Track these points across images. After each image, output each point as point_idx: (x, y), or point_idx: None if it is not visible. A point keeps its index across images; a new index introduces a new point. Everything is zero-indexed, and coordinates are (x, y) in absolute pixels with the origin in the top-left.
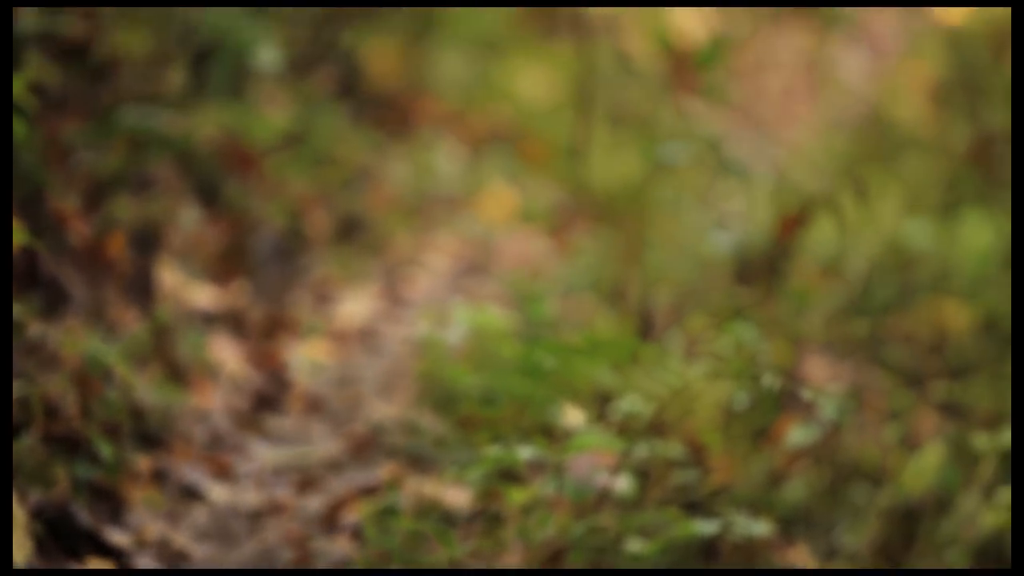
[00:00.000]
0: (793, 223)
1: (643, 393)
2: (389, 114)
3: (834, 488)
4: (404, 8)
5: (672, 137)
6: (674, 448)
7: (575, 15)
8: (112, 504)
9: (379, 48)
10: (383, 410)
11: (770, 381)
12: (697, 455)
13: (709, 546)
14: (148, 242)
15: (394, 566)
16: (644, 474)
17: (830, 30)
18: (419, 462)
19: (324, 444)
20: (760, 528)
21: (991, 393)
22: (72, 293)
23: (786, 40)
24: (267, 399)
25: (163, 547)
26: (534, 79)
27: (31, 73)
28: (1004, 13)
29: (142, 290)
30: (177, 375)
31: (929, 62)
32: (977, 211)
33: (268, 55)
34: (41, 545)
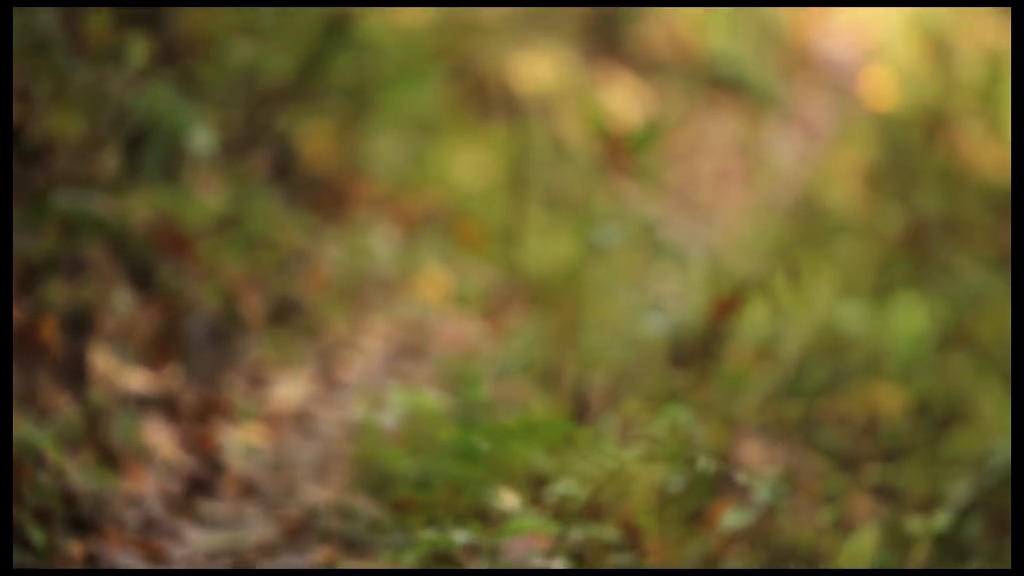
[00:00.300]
0: (727, 306)
1: (578, 476)
2: (324, 197)
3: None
4: (338, 91)
5: (606, 220)
6: (609, 531)
7: (509, 98)
8: None
9: (313, 131)
10: (318, 494)
11: (705, 464)
12: (632, 538)
13: None
14: (81, 326)
15: None
16: (579, 557)
17: (763, 114)
18: (354, 546)
19: (258, 528)
20: None
21: (924, 476)
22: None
23: (719, 123)
24: (201, 483)
25: None
26: (469, 161)
27: None
28: (935, 98)
29: (75, 374)
30: (110, 459)
31: (861, 147)
32: (910, 295)
33: (202, 138)
34: None
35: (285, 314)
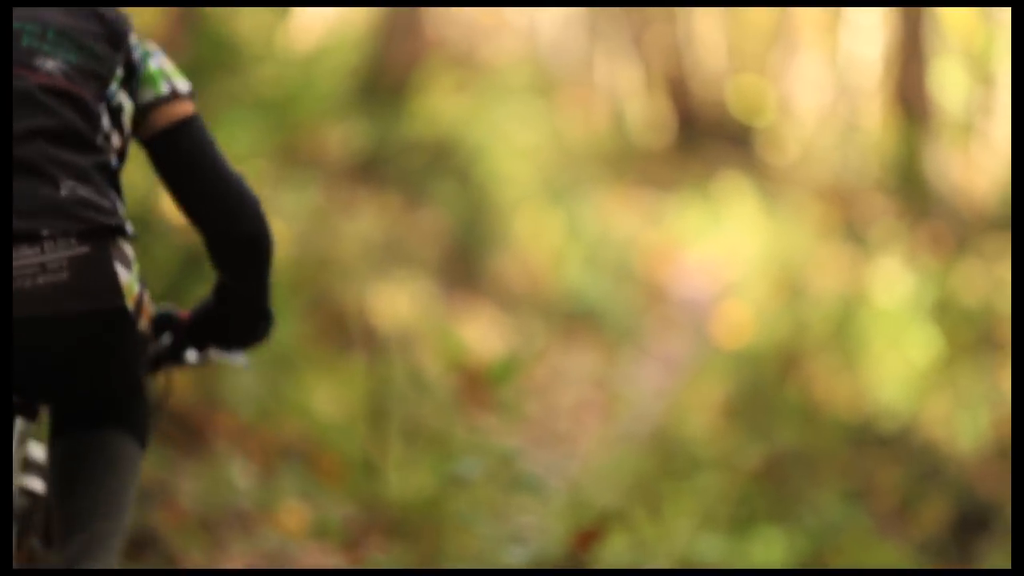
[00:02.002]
0: (588, 537)
1: None
2: (181, 429)
3: None
4: None
5: (466, 451)
6: None
7: (368, 330)
8: None
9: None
10: None
11: None
12: None
13: None
14: None
15: None
16: None
17: (620, 347)
18: None
19: None
20: None
21: None
22: None
23: (577, 356)
24: None
25: None
26: (328, 393)
27: None
28: (789, 334)
29: None
30: None
31: (718, 381)
32: (768, 527)
33: None
34: None
35: (142, 547)
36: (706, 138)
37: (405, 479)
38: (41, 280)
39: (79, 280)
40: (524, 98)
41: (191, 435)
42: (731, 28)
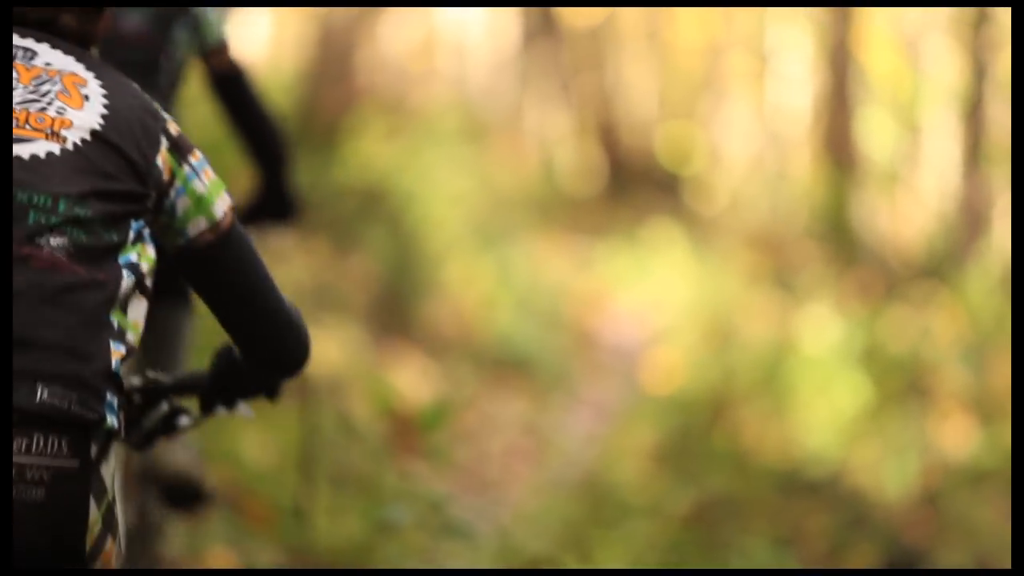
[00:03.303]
0: None
1: None
2: None
3: None
4: None
5: (396, 498)
6: None
7: (299, 378)
8: None
9: None
10: None
11: None
12: None
13: None
14: None
15: None
16: None
17: (550, 393)
18: None
19: None
20: None
21: None
22: None
23: (507, 402)
24: None
25: None
26: (257, 440)
27: None
28: (718, 381)
29: None
30: None
31: (647, 427)
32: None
33: None
34: None
35: None
36: (635, 185)
37: (334, 525)
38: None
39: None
40: (455, 144)
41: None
42: (660, 76)
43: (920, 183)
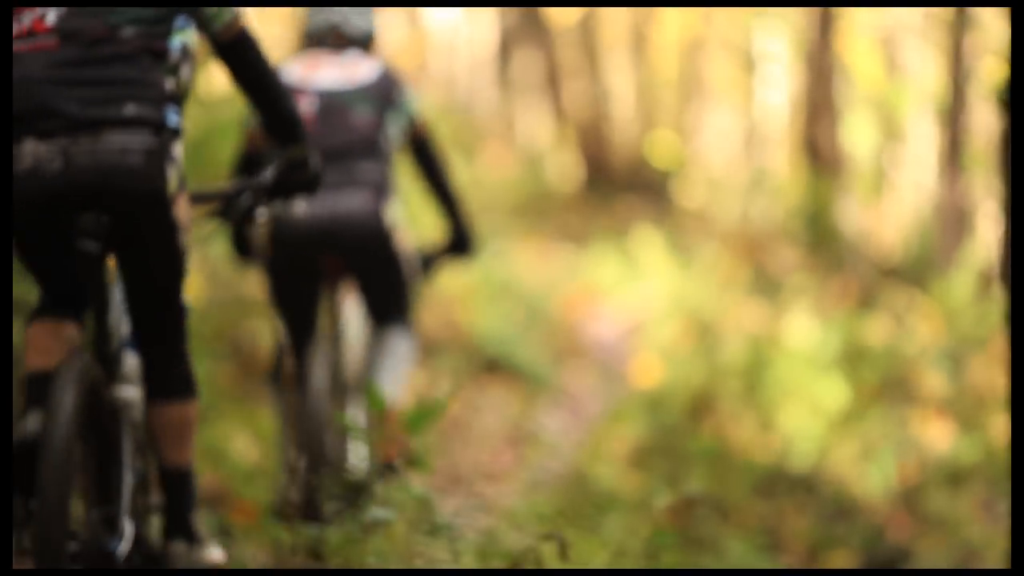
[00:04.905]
0: None
1: None
2: None
3: None
4: None
5: (381, 497)
6: None
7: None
8: None
9: None
10: None
11: None
12: None
13: None
14: None
15: None
16: None
17: (534, 392)
18: None
19: None
20: None
21: None
22: None
23: (491, 401)
24: None
25: None
26: (244, 439)
27: None
28: (700, 380)
29: None
30: None
31: (629, 425)
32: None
33: None
34: None
35: None
36: (620, 189)
37: (320, 525)
38: None
39: None
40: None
41: None
42: (645, 80)
43: (901, 185)
